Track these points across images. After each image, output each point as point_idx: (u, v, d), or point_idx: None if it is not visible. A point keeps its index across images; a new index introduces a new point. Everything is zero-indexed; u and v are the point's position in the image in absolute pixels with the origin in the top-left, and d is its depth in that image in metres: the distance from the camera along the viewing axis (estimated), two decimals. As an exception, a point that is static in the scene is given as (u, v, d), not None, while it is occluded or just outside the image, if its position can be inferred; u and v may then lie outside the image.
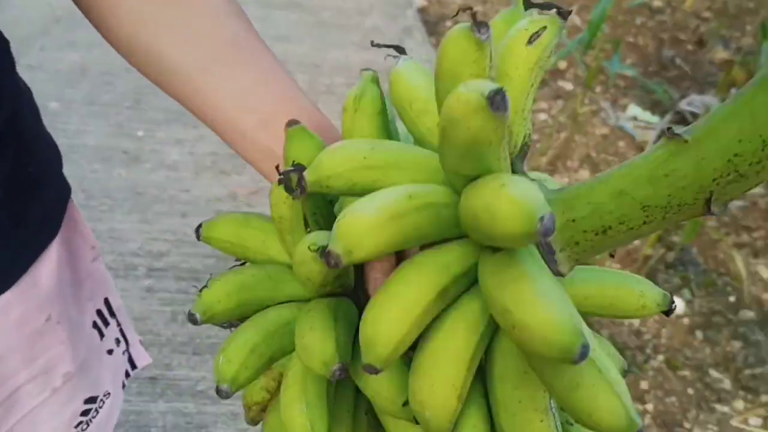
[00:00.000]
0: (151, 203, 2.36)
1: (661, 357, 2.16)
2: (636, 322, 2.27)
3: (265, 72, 0.63)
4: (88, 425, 0.84)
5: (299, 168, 0.50)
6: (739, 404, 2.03)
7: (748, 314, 2.29)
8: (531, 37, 0.48)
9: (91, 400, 0.83)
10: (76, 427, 0.82)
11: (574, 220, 0.45)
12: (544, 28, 0.48)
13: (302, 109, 0.62)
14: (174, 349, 1.86)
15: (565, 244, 0.46)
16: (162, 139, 2.68)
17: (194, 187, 2.46)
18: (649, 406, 2.00)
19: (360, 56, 3.39)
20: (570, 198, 0.45)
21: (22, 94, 0.71)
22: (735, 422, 1.98)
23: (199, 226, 0.62)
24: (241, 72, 0.62)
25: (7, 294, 0.70)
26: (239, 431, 1.69)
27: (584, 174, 2.90)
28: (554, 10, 0.49)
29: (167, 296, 2.02)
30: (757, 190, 2.84)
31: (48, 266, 0.71)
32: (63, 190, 0.76)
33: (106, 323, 0.85)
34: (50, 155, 0.75)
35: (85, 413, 0.83)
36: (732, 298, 2.36)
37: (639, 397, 2.02)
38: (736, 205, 2.77)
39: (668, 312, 0.54)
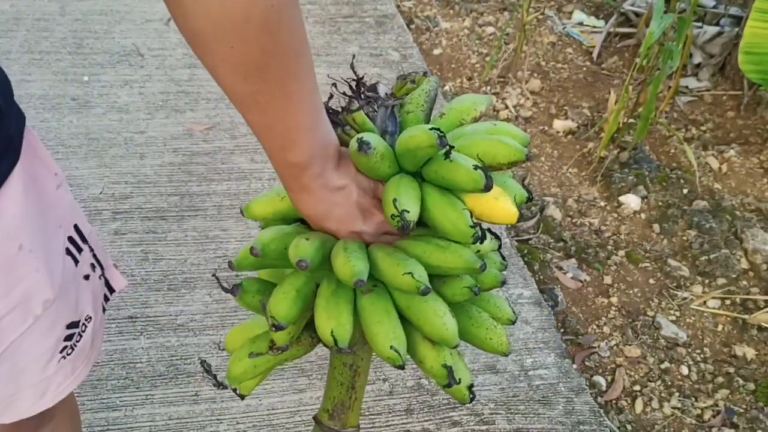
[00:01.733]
0: (106, 147, 2.33)
1: (621, 252, 2.24)
2: (596, 221, 2.34)
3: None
4: (72, 349, 0.87)
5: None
6: (698, 289, 2.14)
7: (701, 204, 2.39)
8: None
9: (74, 325, 0.85)
10: (61, 352, 0.85)
11: None
12: None
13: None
14: (149, 288, 1.88)
15: None
16: (109, 82, 2.62)
17: (149, 128, 2.42)
18: (614, 299, 2.09)
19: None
20: None
21: None
22: (695, 306, 2.08)
23: None
24: None
25: None
26: (223, 359, 1.72)
27: (535, 83, 2.93)
28: None
29: (136, 237, 2.02)
30: (703, 83, 2.91)
31: (14, 194, 0.72)
32: (19, 117, 0.75)
33: (79, 249, 0.86)
34: (1, 82, 0.74)
35: (68, 338, 0.85)
36: (685, 190, 2.45)
37: (603, 292, 2.11)
38: (683, 100, 2.84)
39: None
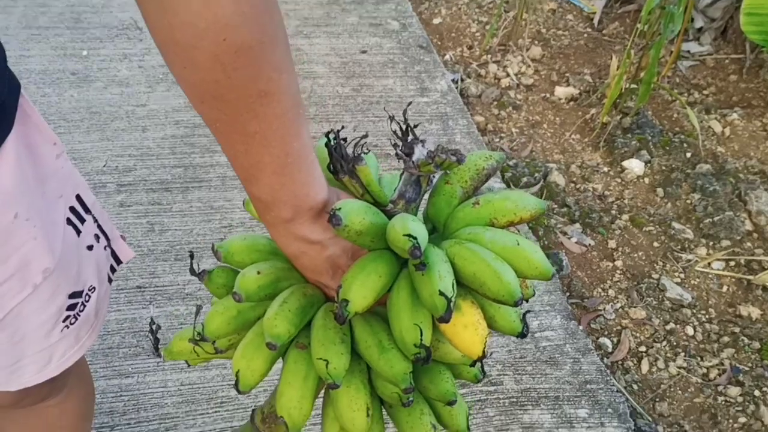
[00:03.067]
0: (108, 121, 2.32)
1: (625, 217, 2.25)
2: (599, 186, 2.35)
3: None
4: (76, 318, 0.86)
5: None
6: (702, 251, 2.14)
7: (705, 167, 2.39)
8: None
9: (76, 294, 0.85)
10: (64, 321, 0.85)
11: None
12: None
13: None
14: (156, 258, 1.88)
15: None
16: (108, 55, 2.61)
17: (150, 101, 2.42)
18: (618, 263, 2.10)
19: None
20: None
21: None
22: (699, 268, 2.09)
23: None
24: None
25: None
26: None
27: (536, 51, 2.92)
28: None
29: (141, 208, 2.03)
30: (705, 47, 2.90)
31: (7, 163, 0.71)
32: (12, 83, 0.74)
33: (82, 220, 0.85)
34: None
35: (71, 308, 0.85)
36: (688, 154, 2.45)
37: (608, 256, 2.12)
38: (685, 65, 2.83)
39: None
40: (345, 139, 0.71)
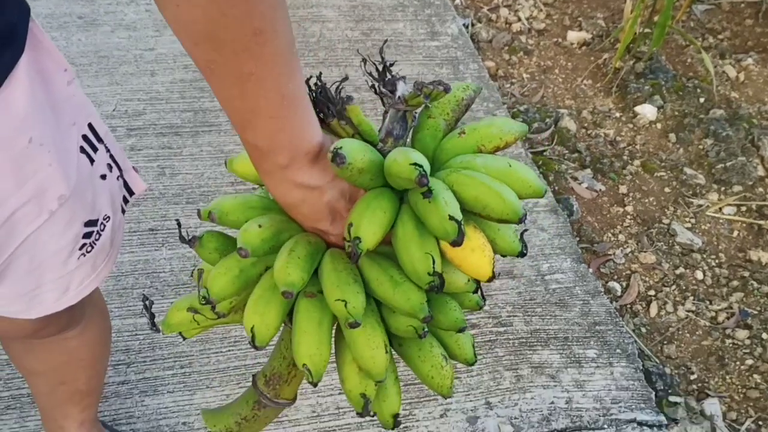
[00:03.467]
0: (117, 65, 2.31)
1: (637, 162, 2.24)
2: (611, 132, 2.33)
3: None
4: (92, 247, 0.87)
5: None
6: (714, 196, 2.14)
7: (718, 112, 2.36)
8: None
9: (92, 223, 0.86)
10: (80, 249, 0.86)
11: None
12: None
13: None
14: (168, 201, 1.89)
15: None
16: (115, -1, 2.58)
17: (158, 45, 2.40)
18: (629, 208, 2.10)
19: None
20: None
21: None
22: (710, 213, 2.09)
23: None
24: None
25: None
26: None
27: (549, -5, 2.87)
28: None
29: (152, 152, 2.03)
30: (721, -9, 2.84)
31: (20, 87, 0.70)
32: (22, 6, 0.73)
33: (95, 149, 0.85)
34: None
35: (87, 236, 0.86)
36: (702, 99, 2.42)
37: (619, 201, 2.12)
38: (700, 9, 2.79)
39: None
40: (324, 84, 0.70)
